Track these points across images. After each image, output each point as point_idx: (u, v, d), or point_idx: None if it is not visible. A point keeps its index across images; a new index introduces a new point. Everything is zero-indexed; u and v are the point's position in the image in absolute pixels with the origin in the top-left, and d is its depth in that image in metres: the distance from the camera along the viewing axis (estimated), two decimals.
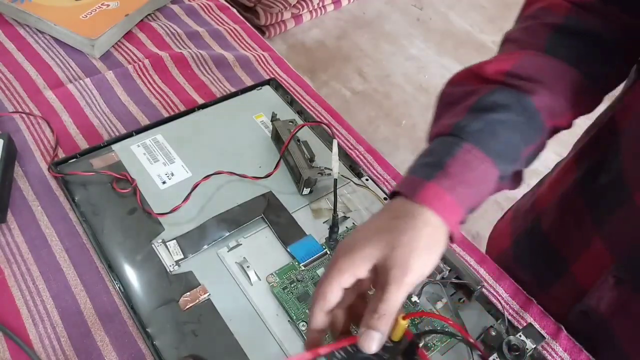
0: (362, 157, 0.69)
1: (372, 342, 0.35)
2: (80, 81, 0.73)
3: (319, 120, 0.72)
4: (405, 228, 0.36)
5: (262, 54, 0.82)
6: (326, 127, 0.67)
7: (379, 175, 0.67)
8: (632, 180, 0.46)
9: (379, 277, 0.36)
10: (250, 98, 0.74)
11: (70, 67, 0.76)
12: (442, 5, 2.36)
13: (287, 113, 0.72)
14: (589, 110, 0.49)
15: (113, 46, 0.80)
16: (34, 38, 0.79)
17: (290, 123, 0.67)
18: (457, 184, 0.38)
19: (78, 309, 0.52)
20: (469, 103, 0.43)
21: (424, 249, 0.36)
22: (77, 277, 0.54)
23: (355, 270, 0.37)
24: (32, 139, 0.66)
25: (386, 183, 0.67)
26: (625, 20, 0.45)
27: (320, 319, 0.38)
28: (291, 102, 0.74)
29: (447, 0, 2.38)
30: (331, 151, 0.59)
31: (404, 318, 0.36)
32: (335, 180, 0.57)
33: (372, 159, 0.69)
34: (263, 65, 0.80)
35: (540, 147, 0.46)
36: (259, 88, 0.76)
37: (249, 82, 0.77)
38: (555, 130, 0.46)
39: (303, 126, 0.66)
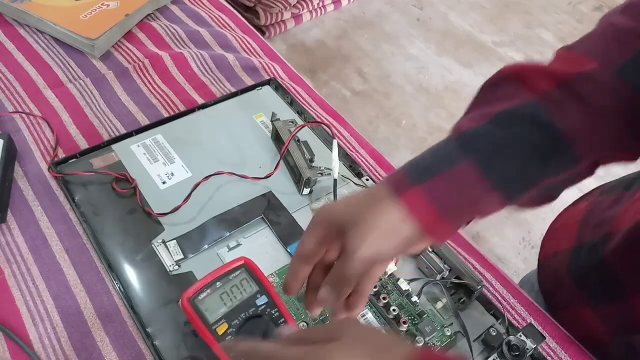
0: (362, 158, 0.69)
1: (314, 304, 0.42)
2: (80, 81, 0.73)
3: (319, 120, 0.72)
4: (375, 211, 0.38)
5: (262, 54, 0.82)
6: (326, 128, 0.67)
7: (380, 177, 0.67)
8: None
9: (342, 246, 0.39)
10: (250, 98, 0.74)
11: (70, 67, 0.76)
12: (442, 5, 2.36)
13: (287, 113, 0.72)
14: None
15: (113, 46, 0.80)
16: (33, 38, 0.79)
17: (290, 123, 0.67)
18: (441, 196, 0.38)
19: (78, 309, 0.52)
20: (495, 110, 0.40)
21: (381, 233, 0.38)
22: (77, 277, 0.54)
23: (324, 222, 0.40)
24: (32, 139, 0.66)
25: None
26: None
27: (296, 264, 0.41)
28: (291, 102, 0.74)
29: (447, 0, 2.38)
30: (331, 151, 0.59)
31: None
32: (335, 180, 0.57)
33: (373, 160, 0.69)
34: (263, 65, 0.80)
35: (573, 179, 0.40)
36: (259, 88, 0.76)
37: (249, 82, 0.77)
38: (597, 165, 0.41)
39: (303, 126, 0.66)
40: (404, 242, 0.38)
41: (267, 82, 0.77)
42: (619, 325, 0.52)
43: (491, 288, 0.58)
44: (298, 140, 0.65)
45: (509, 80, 0.42)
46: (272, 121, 0.68)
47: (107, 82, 0.74)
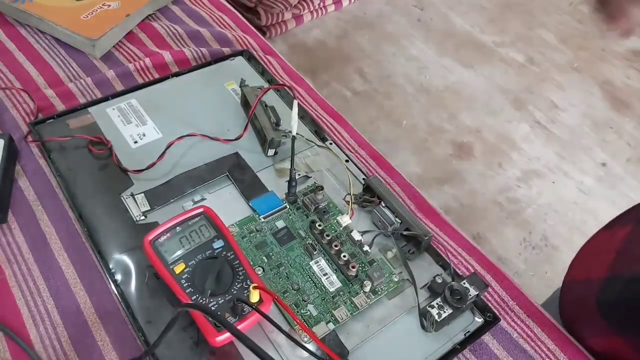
0: (362, 158, 0.69)
1: None
2: (81, 80, 0.73)
3: (280, 83, 0.72)
4: None
5: (263, 54, 0.82)
6: (288, 90, 0.70)
7: (381, 178, 0.67)
8: None
9: None
10: (223, 68, 0.77)
11: (71, 67, 0.76)
12: (443, 5, 2.36)
13: (258, 82, 0.75)
14: None
15: (114, 46, 0.80)
16: (34, 38, 0.79)
17: (259, 89, 0.69)
18: None
19: (78, 308, 0.52)
20: None
21: None
22: (77, 276, 0.54)
23: None
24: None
25: (389, 186, 0.66)
26: None
27: None
28: (262, 72, 0.77)
29: (448, 0, 2.38)
30: (297, 115, 0.60)
31: (254, 288, 0.47)
32: (294, 137, 0.59)
33: (373, 161, 0.69)
34: (264, 65, 0.80)
35: None
36: (232, 59, 0.78)
37: None
38: None
39: (268, 89, 0.69)
40: None
41: (240, 53, 0.79)
42: None
43: (491, 289, 0.58)
44: (265, 106, 0.67)
45: None
46: (240, 87, 0.70)
47: (108, 80, 0.74)
